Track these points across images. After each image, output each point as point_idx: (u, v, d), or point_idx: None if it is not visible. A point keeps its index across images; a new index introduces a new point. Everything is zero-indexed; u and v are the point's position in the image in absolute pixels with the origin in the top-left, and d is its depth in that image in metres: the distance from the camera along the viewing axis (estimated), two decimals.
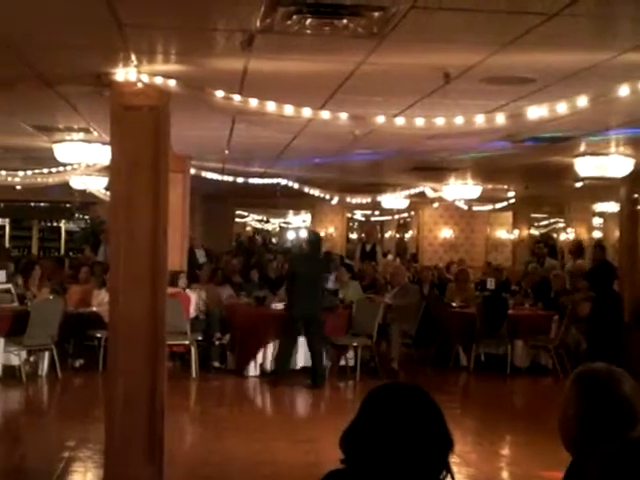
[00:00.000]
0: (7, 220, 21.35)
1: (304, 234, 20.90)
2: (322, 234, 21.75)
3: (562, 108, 5.63)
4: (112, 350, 5.94)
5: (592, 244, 16.51)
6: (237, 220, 23.89)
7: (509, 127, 6.31)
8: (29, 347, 9.91)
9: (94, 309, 10.85)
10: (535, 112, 5.76)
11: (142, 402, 5.89)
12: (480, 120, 6.05)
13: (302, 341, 10.39)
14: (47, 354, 10.15)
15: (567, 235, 19.86)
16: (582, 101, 5.54)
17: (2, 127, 9.29)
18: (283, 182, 14.55)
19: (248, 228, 27.32)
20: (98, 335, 10.40)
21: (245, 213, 25.81)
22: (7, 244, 20.34)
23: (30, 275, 11.86)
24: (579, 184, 13.26)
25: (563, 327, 11.01)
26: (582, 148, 9.86)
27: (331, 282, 12.60)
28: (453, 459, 2.06)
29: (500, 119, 5.95)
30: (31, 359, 10.26)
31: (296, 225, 28.94)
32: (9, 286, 10.66)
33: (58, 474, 6.25)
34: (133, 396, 5.89)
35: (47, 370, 10.20)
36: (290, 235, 29.74)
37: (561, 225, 20.95)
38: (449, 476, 2.06)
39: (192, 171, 12.26)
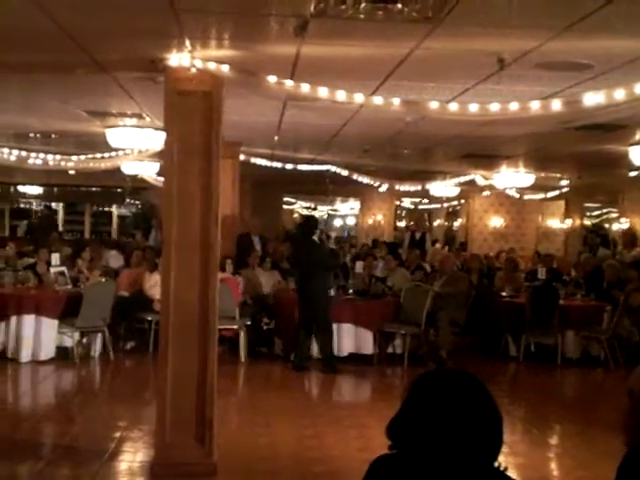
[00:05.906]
0: (60, 204, 21.78)
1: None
2: (370, 221, 21.77)
3: (620, 95, 5.51)
4: (163, 333, 5.99)
5: None
6: (285, 207, 23.90)
7: (564, 114, 6.19)
8: (82, 329, 10.10)
9: (146, 292, 11.00)
10: (592, 99, 5.64)
11: (192, 385, 5.95)
12: (535, 106, 5.96)
13: (348, 327, 10.41)
14: (99, 336, 10.35)
15: (620, 225, 19.51)
16: None
17: (57, 112, 9.44)
18: (332, 169, 14.54)
19: (295, 215, 27.35)
20: (149, 318, 10.59)
21: (293, 200, 25.80)
22: (60, 228, 20.70)
23: (79, 257, 12.09)
24: (634, 173, 13.03)
25: (615, 318, 10.83)
26: (637, 136, 9.67)
27: (379, 269, 12.58)
28: (502, 449, 2.03)
29: (556, 105, 5.84)
30: (84, 341, 10.45)
31: (344, 212, 28.89)
32: (63, 269, 10.86)
33: (109, 454, 6.36)
34: (184, 379, 5.95)
35: (99, 352, 10.41)
36: (337, 222, 29.70)
37: (614, 215, 20.58)
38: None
39: (241, 157, 12.33)
